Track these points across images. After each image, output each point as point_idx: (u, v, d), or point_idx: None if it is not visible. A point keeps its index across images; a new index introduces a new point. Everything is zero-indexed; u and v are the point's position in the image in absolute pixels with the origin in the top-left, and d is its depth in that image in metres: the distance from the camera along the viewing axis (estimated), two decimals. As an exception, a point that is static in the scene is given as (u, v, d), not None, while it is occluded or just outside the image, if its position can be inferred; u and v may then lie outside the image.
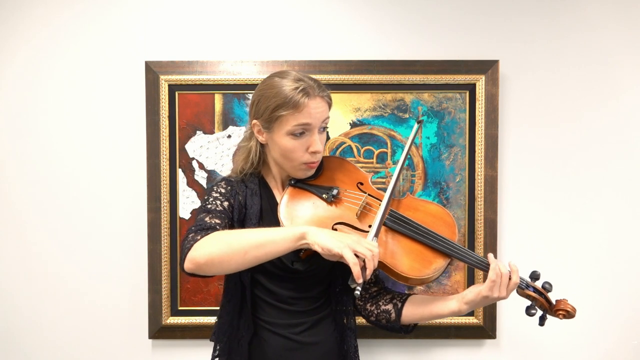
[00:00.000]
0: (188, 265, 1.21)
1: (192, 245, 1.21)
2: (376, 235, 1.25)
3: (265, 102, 1.31)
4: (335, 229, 1.31)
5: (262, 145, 1.40)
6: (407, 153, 1.43)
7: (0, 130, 1.80)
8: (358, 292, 1.16)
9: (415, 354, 1.83)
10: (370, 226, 1.31)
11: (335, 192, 1.35)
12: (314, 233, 1.19)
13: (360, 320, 1.52)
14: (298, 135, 1.30)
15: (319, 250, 1.18)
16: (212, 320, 1.75)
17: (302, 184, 1.38)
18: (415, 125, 1.49)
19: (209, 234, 1.23)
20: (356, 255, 1.16)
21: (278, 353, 1.37)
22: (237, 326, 1.37)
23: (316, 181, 1.40)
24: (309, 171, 1.37)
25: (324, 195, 1.35)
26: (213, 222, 1.29)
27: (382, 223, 1.31)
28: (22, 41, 1.79)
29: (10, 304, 1.82)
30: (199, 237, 1.22)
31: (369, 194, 1.39)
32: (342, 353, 1.43)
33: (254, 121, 1.35)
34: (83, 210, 1.80)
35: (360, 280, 1.14)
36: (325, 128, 1.36)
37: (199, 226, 1.27)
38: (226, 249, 1.19)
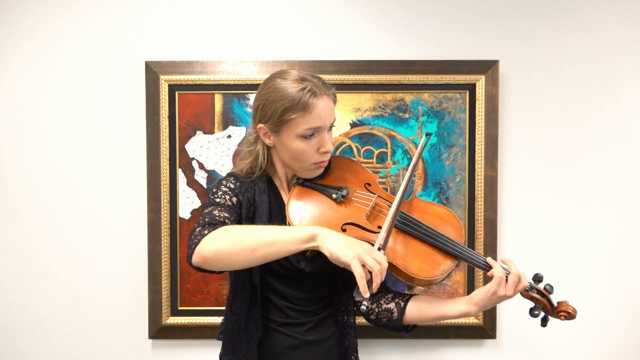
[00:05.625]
0: (195, 259, 1.19)
1: (200, 240, 1.20)
2: (384, 247, 1.23)
3: (271, 106, 1.28)
4: (345, 230, 1.30)
5: (268, 147, 1.38)
6: (415, 164, 1.42)
7: (1, 130, 1.80)
8: (364, 308, 1.13)
9: (415, 354, 1.83)
10: (379, 227, 1.31)
11: (345, 192, 1.35)
12: (325, 236, 1.17)
13: (360, 319, 1.52)
14: (308, 137, 1.29)
15: (327, 254, 1.16)
16: (211, 320, 1.75)
17: (310, 183, 1.37)
18: (424, 138, 1.48)
19: (217, 228, 1.22)
20: (363, 266, 1.13)
21: (281, 351, 1.37)
22: (246, 327, 1.35)
23: (324, 181, 1.39)
24: (319, 170, 1.37)
25: (333, 195, 1.34)
26: (222, 215, 1.27)
27: (391, 230, 1.29)
28: (22, 41, 1.79)
29: (11, 304, 1.82)
30: (206, 232, 1.21)
31: (378, 195, 1.38)
32: (342, 351, 1.44)
33: (260, 125, 1.33)
34: (83, 210, 1.80)
35: (367, 295, 1.11)
36: (332, 126, 1.35)
37: (207, 220, 1.25)
38: (235, 244, 1.17)
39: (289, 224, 1.31)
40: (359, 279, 1.11)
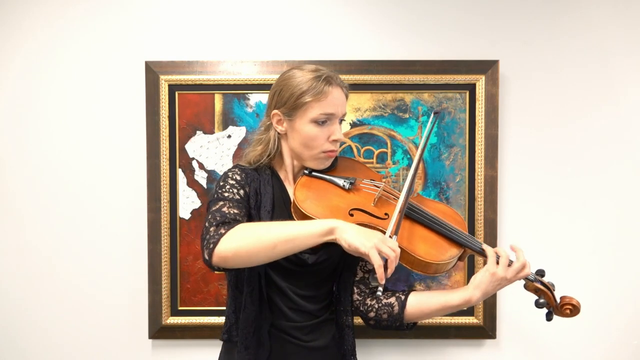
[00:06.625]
0: (216, 260, 1.21)
1: (218, 240, 1.21)
2: (396, 232, 1.27)
3: (288, 91, 1.34)
4: (352, 215, 1.33)
5: (279, 136, 1.41)
6: (424, 146, 1.44)
7: (1, 130, 1.80)
8: (380, 293, 1.19)
9: (415, 354, 1.82)
10: (386, 214, 1.34)
11: (353, 180, 1.39)
12: (342, 229, 1.20)
13: (357, 319, 1.51)
14: (321, 124, 1.34)
15: (345, 246, 1.20)
16: (212, 320, 1.75)
17: (318, 173, 1.41)
18: (432, 116, 1.48)
19: (232, 226, 1.23)
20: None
21: (282, 356, 1.37)
22: (259, 316, 1.36)
23: (332, 172, 1.43)
24: (327, 160, 1.40)
25: (341, 183, 1.38)
26: (232, 212, 1.29)
27: (402, 216, 1.32)
28: (22, 41, 1.79)
29: (11, 304, 1.82)
30: (222, 231, 1.22)
31: (384, 189, 1.42)
32: (342, 352, 1.44)
33: (274, 111, 1.37)
34: (83, 210, 1.80)
35: (383, 282, 1.17)
36: (342, 120, 1.40)
37: (219, 219, 1.26)
38: (255, 242, 1.20)
39: (295, 206, 1.33)
40: (377, 267, 1.17)
